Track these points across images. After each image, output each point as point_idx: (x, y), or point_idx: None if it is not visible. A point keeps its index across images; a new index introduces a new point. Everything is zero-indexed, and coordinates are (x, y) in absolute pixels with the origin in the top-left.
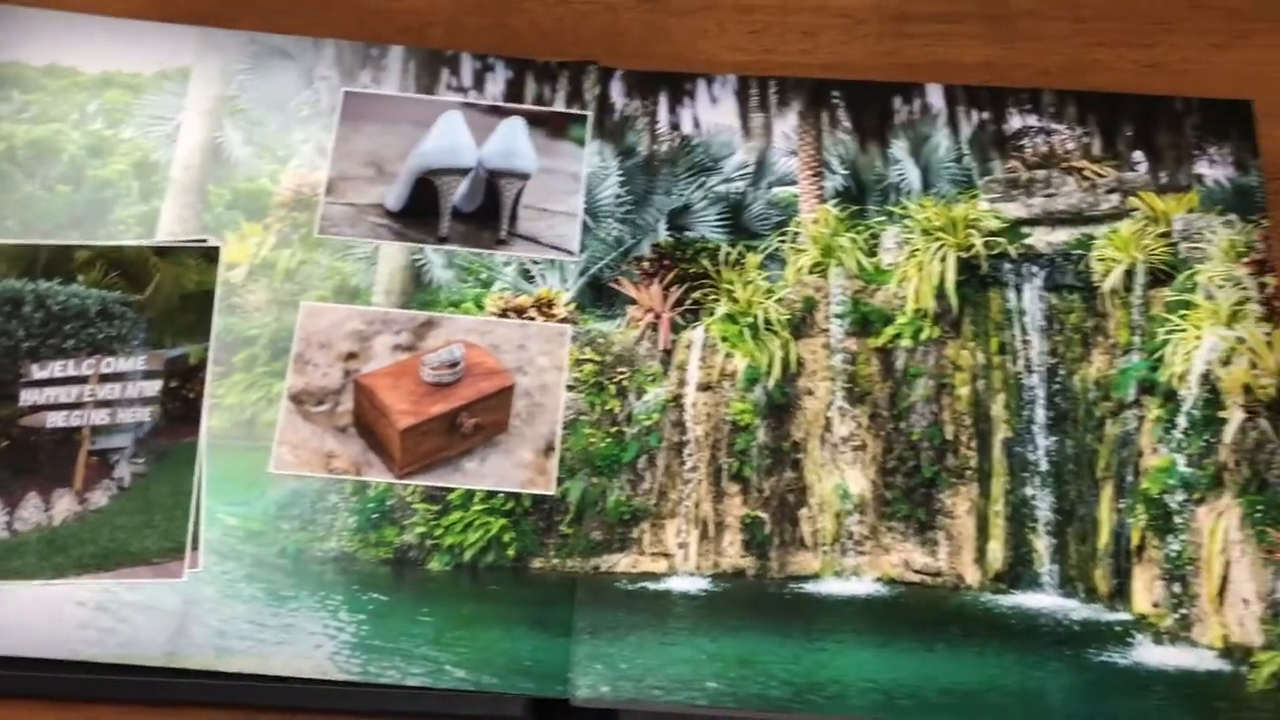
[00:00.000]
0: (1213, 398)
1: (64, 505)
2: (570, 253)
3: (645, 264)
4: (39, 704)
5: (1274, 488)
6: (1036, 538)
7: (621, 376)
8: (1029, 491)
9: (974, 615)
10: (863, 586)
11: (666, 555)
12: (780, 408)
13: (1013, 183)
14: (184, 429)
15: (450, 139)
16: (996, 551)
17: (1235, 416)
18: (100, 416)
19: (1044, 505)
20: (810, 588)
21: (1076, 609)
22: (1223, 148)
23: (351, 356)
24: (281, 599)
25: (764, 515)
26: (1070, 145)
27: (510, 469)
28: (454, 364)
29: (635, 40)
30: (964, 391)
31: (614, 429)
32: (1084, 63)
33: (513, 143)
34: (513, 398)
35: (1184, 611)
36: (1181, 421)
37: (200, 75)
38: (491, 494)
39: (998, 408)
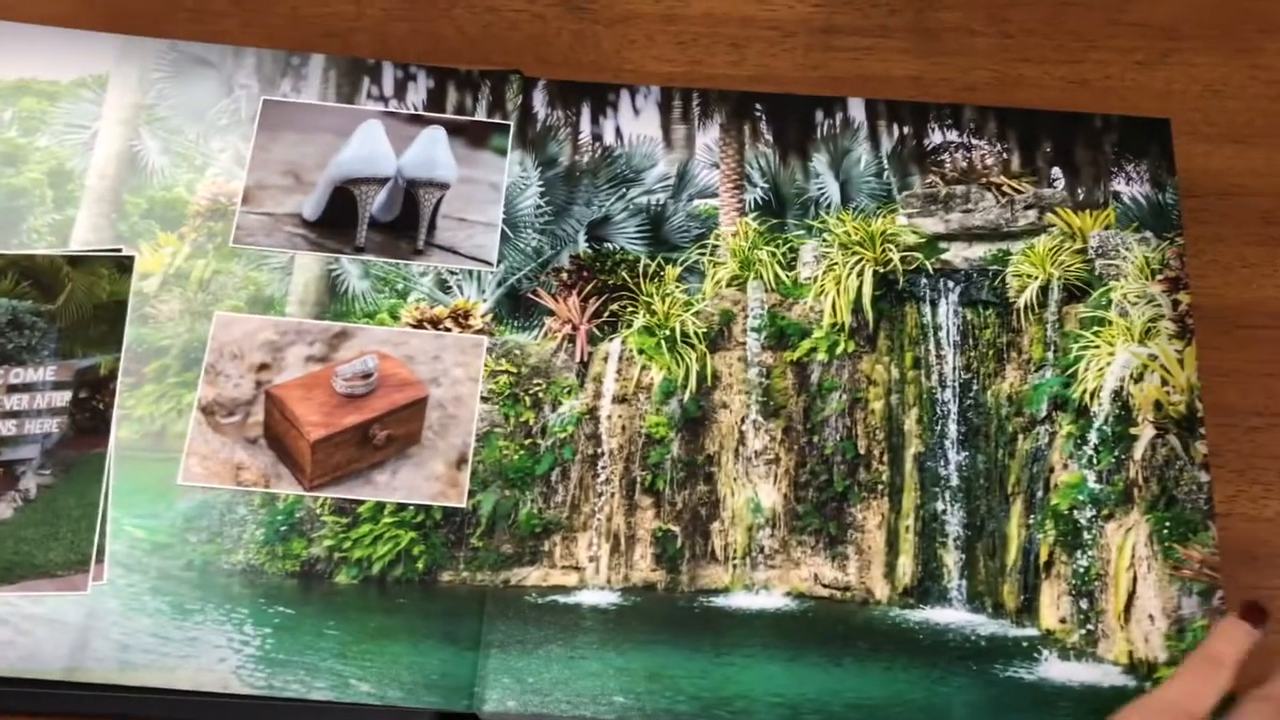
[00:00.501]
0: (1124, 414)
1: None
2: (488, 263)
3: (564, 275)
4: None
5: (1182, 504)
6: (946, 553)
7: (537, 388)
8: (939, 506)
9: (882, 630)
10: (772, 600)
11: (577, 568)
12: (695, 421)
13: (931, 198)
14: (93, 440)
15: (369, 148)
16: (906, 566)
17: (1146, 433)
18: (7, 427)
19: (954, 520)
20: (720, 602)
21: (984, 624)
22: (1140, 165)
23: (264, 367)
24: (186, 612)
25: (676, 529)
26: (989, 161)
27: (421, 481)
28: (367, 375)
29: (564, 49)
30: (878, 406)
31: (528, 441)
32: (1010, 77)
33: (432, 152)
34: (426, 409)
35: (1090, 627)
36: (1093, 438)
37: (118, 83)
38: (402, 506)
39: (910, 422)
